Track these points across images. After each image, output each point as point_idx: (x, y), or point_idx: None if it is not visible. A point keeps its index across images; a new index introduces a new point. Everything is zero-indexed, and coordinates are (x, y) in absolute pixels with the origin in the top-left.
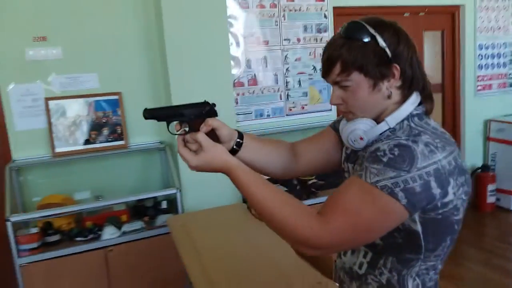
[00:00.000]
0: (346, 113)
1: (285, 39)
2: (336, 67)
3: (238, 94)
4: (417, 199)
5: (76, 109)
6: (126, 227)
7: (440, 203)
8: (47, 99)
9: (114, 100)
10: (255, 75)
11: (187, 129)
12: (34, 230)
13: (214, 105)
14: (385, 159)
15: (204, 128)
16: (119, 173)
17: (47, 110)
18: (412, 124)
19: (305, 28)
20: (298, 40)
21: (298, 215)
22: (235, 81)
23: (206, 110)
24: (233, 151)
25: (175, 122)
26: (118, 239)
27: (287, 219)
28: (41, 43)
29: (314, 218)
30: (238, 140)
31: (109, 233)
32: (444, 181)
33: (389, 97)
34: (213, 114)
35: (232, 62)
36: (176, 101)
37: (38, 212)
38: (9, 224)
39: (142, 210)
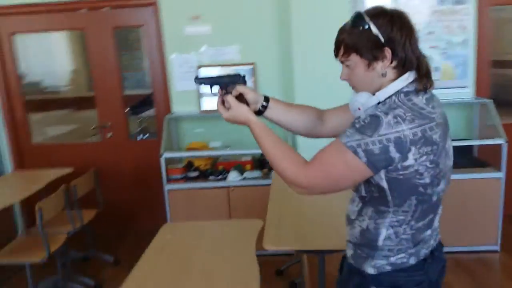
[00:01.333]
0: (352, 88)
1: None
2: (341, 49)
3: None
4: (375, 159)
5: None
6: (247, 174)
7: (400, 166)
8: (199, 67)
9: (249, 70)
10: None
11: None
12: (180, 166)
13: (244, 76)
14: (357, 125)
15: (234, 92)
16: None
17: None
18: (396, 100)
19: (442, 0)
20: (431, 13)
21: (290, 163)
22: None
23: (237, 79)
24: (260, 112)
25: (217, 86)
26: (239, 182)
27: (282, 165)
28: (196, 22)
29: (300, 165)
30: (264, 103)
31: (233, 176)
32: (404, 148)
33: (383, 75)
34: (243, 82)
35: None
36: (297, 77)
37: (183, 152)
38: (162, 158)
39: (263, 163)
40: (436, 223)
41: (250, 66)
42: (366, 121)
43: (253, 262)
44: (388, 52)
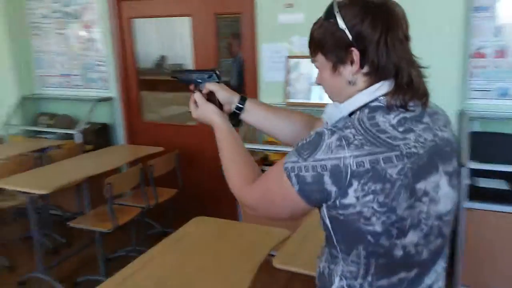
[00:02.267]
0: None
1: None
2: (311, 47)
3: (476, 67)
4: (308, 189)
5: (308, 67)
6: None
7: (339, 203)
8: (289, 57)
9: None
10: (504, 45)
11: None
12: (256, 158)
13: (215, 71)
14: (299, 143)
15: (204, 90)
16: None
17: (287, 66)
18: (357, 116)
19: None
20: None
21: (238, 177)
22: (474, 51)
23: (207, 76)
24: (236, 114)
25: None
26: None
27: (231, 178)
28: (289, 10)
29: (246, 181)
30: (239, 104)
31: None
32: (342, 180)
33: (351, 83)
34: (215, 79)
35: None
36: None
37: (260, 145)
38: None
39: None
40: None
41: None
42: (308, 139)
43: (250, 272)
44: (355, 54)
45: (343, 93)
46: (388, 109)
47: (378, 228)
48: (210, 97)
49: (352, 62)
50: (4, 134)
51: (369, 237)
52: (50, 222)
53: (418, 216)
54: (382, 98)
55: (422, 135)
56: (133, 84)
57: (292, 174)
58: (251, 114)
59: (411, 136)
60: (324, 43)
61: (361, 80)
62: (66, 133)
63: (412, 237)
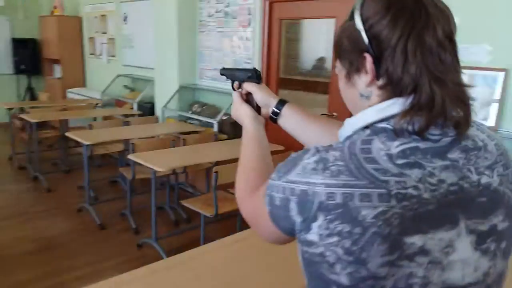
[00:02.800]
0: None
1: None
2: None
3: None
4: (276, 213)
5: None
6: None
7: (302, 237)
8: None
9: (494, 77)
10: None
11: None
12: None
13: (256, 71)
14: (287, 159)
15: (243, 90)
16: None
17: None
18: (353, 137)
19: None
20: None
21: (243, 185)
22: None
23: (248, 75)
24: (273, 118)
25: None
26: None
27: (238, 184)
28: None
29: (247, 193)
30: (275, 109)
31: None
32: (307, 211)
33: (363, 96)
34: (255, 79)
35: None
36: None
37: None
38: None
39: None
40: None
41: (501, 73)
42: (294, 155)
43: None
44: (368, 61)
45: (357, 108)
46: (396, 134)
47: (344, 280)
48: (249, 98)
49: (366, 72)
50: (162, 116)
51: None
52: (178, 197)
53: (406, 280)
54: (392, 119)
55: (437, 174)
56: (273, 83)
57: (267, 192)
58: (287, 120)
59: (414, 173)
60: (339, 46)
61: (375, 94)
62: (207, 121)
63: (346, 280)
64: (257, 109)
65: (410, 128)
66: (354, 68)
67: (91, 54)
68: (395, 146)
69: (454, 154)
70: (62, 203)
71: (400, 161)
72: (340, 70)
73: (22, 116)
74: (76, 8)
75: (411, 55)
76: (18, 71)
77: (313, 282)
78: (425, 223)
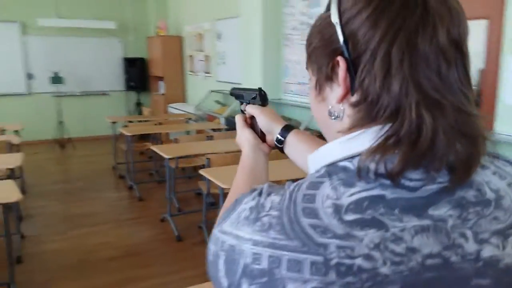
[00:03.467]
0: None
1: None
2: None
3: None
4: (210, 269)
5: None
6: None
7: None
8: None
9: None
10: None
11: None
12: None
13: (261, 92)
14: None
15: (245, 112)
16: None
17: None
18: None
19: None
20: None
21: (221, 213)
22: None
23: (252, 96)
24: (278, 146)
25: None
26: None
27: (224, 207)
28: None
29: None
30: (279, 136)
31: None
32: (232, 275)
33: (331, 115)
34: (260, 101)
35: None
36: None
37: None
38: None
39: None
40: None
41: None
42: (239, 198)
43: None
44: (341, 66)
45: (329, 131)
46: (358, 175)
47: None
48: (253, 122)
49: (337, 84)
50: None
51: None
52: None
53: None
54: (358, 157)
55: (406, 239)
56: None
57: (211, 237)
58: (292, 150)
59: (369, 235)
60: (309, 45)
61: (346, 114)
62: None
63: None
64: (262, 135)
65: (378, 168)
66: (324, 75)
67: (191, 71)
68: (349, 195)
69: (441, 210)
70: (149, 212)
71: (349, 217)
72: (310, 78)
73: (121, 129)
74: (178, 28)
75: (395, 65)
76: (128, 87)
77: None
78: None
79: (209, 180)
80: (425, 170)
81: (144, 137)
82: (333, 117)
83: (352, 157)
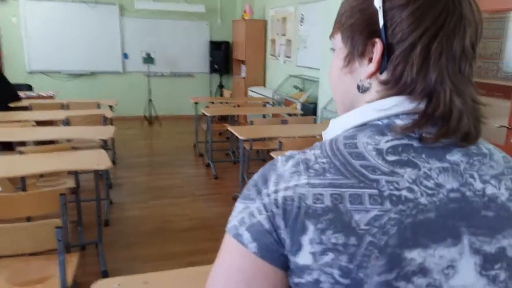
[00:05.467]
0: None
1: None
2: (335, 21)
3: None
4: (269, 241)
5: None
6: None
7: (293, 264)
8: None
9: None
10: None
11: None
12: None
13: None
14: (246, 186)
15: None
16: None
17: None
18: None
19: None
20: None
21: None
22: None
23: None
24: None
25: None
26: None
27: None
28: None
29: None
30: None
31: None
32: (294, 221)
33: (360, 88)
34: None
35: None
36: None
37: None
38: None
39: None
40: None
41: None
42: (257, 174)
43: None
44: (376, 48)
45: (349, 101)
46: (388, 129)
47: None
48: None
49: (370, 60)
50: (321, 116)
51: None
52: None
53: None
54: (386, 120)
55: (434, 177)
56: None
57: (242, 229)
58: None
59: (407, 172)
60: (348, 18)
61: (374, 89)
62: None
63: None
64: None
65: (408, 129)
66: (358, 51)
67: (271, 55)
68: (385, 141)
69: (455, 157)
70: (223, 190)
71: (390, 158)
72: (340, 50)
73: (202, 110)
74: (263, 12)
75: (434, 59)
76: (212, 70)
77: None
78: (425, 235)
79: None
80: (436, 137)
81: (223, 118)
82: (361, 90)
83: (380, 119)
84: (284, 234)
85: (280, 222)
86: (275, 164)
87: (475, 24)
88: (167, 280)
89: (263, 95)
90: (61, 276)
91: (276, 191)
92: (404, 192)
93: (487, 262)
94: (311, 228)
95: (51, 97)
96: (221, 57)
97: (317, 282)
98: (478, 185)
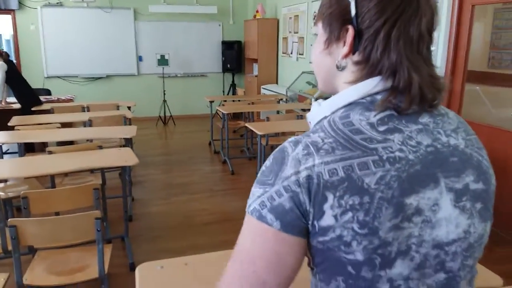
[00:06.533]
0: None
1: None
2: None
3: None
4: (290, 218)
5: None
6: None
7: (317, 227)
8: None
9: None
10: None
11: None
12: None
13: None
14: (260, 172)
15: None
16: None
17: None
18: (328, 117)
19: None
20: None
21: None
22: None
23: None
24: None
25: None
26: None
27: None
28: None
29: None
30: None
31: None
32: (316, 195)
33: (338, 67)
34: None
35: None
36: None
37: None
38: None
39: None
40: None
41: None
42: (270, 161)
43: None
44: (349, 34)
45: (329, 78)
46: (370, 106)
47: (359, 256)
48: None
49: (345, 43)
50: None
51: (349, 268)
52: None
53: (407, 241)
54: (369, 98)
55: (414, 137)
56: (458, 76)
57: (265, 211)
58: None
59: (396, 137)
60: (327, 8)
61: (349, 69)
62: None
63: (400, 268)
64: None
65: (387, 105)
66: (335, 35)
67: (284, 53)
68: (373, 116)
69: (424, 119)
70: (240, 185)
71: (381, 128)
72: (321, 35)
73: (217, 108)
74: (275, 11)
75: (393, 42)
76: (224, 69)
77: (327, 268)
78: (417, 184)
79: None
80: (409, 106)
81: (237, 116)
82: (340, 69)
83: (363, 97)
84: (308, 207)
85: (304, 198)
86: (285, 149)
87: (430, 13)
88: (206, 261)
89: (276, 92)
90: (99, 264)
91: (296, 173)
92: (397, 153)
93: (457, 197)
94: (330, 197)
95: (70, 100)
96: (234, 57)
97: (340, 236)
98: (444, 138)
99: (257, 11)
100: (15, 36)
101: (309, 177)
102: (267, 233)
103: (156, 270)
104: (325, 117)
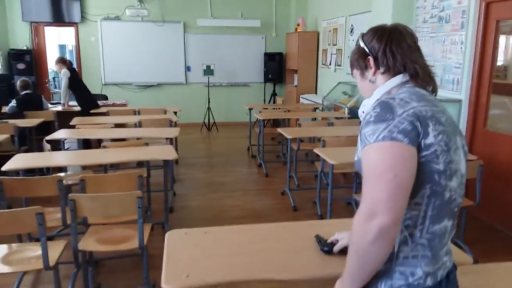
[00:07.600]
0: None
1: None
2: (351, 66)
3: None
4: (412, 135)
5: None
6: None
7: (423, 144)
8: None
9: None
10: None
11: None
12: None
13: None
14: (372, 119)
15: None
16: None
17: None
18: (397, 90)
19: None
20: None
21: (357, 239)
22: None
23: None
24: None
25: None
26: None
27: (358, 253)
28: None
29: (363, 218)
30: None
31: None
32: (423, 122)
33: (371, 81)
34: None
35: None
36: None
37: None
38: None
39: None
40: (449, 242)
41: None
42: (378, 110)
43: None
44: (369, 60)
45: (370, 90)
46: (415, 86)
47: (441, 166)
48: None
49: (370, 67)
50: None
51: (435, 176)
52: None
53: (455, 164)
54: (405, 83)
55: (435, 105)
56: (484, 88)
57: (395, 134)
58: None
59: (415, 107)
60: (353, 59)
61: (381, 78)
62: None
63: (454, 183)
64: None
65: (418, 85)
66: (363, 67)
67: (323, 64)
68: (398, 94)
69: (431, 97)
70: (272, 186)
71: (418, 99)
72: (356, 73)
73: (256, 114)
74: (315, 24)
75: (396, 52)
76: (266, 79)
77: (420, 178)
78: (455, 129)
79: (324, 160)
80: (429, 85)
81: (276, 124)
82: (372, 82)
83: (402, 83)
84: (420, 129)
85: (417, 124)
86: (387, 101)
87: (410, 34)
88: (222, 232)
89: (313, 101)
90: (139, 235)
91: (406, 111)
92: (418, 112)
93: (462, 147)
94: (431, 124)
95: (124, 105)
96: (275, 68)
97: (435, 151)
98: (439, 105)
99: (298, 25)
100: (77, 46)
101: (415, 113)
102: (401, 148)
103: (181, 235)
104: (377, 100)
